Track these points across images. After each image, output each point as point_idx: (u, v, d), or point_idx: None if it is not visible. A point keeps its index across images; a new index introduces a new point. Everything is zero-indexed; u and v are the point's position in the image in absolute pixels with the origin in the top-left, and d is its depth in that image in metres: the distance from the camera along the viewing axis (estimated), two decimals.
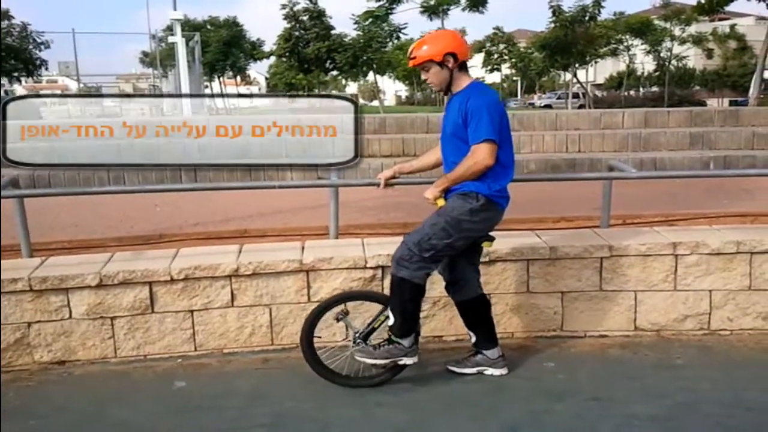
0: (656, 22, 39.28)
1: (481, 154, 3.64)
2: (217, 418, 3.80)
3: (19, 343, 4.41)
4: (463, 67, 3.82)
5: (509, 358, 4.45)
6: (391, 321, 3.92)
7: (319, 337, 4.14)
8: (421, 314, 4.10)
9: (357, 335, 4.05)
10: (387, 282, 4.41)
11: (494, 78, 53.81)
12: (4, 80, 30.64)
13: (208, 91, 38.69)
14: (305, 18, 32.53)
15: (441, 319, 4.69)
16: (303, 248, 4.79)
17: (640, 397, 3.95)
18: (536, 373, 4.30)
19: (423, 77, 3.88)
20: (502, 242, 4.78)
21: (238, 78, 48.14)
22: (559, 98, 49.60)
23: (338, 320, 4.08)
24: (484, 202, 3.72)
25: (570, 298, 4.77)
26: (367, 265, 4.54)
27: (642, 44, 40.53)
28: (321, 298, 4.58)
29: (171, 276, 4.45)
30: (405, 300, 3.84)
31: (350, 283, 4.59)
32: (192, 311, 4.55)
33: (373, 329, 4.05)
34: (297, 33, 32.04)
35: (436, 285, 4.33)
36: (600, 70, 55.71)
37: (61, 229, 6.27)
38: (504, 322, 4.76)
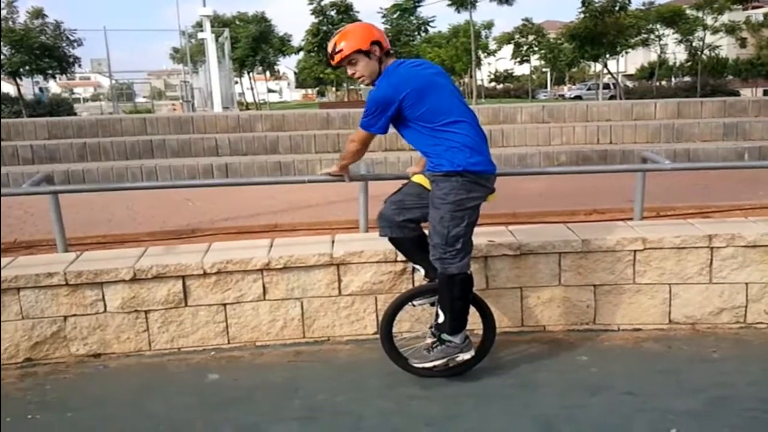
0: (688, 11, 38.66)
1: (352, 137, 3.96)
2: (250, 410, 3.84)
3: (55, 336, 4.49)
4: (388, 55, 3.80)
5: (541, 352, 4.42)
6: (440, 319, 3.91)
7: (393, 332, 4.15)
8: None
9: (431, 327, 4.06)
10: (417, 276, 4.40)
11: (524, 69, 53.36)
12: (39, 77, 30.99)
13: (237, 86, 38.88)
14: (333, 13, 32.61)
15: (473, 312, 4.66)
16: (333, 242, 4.80)
17: (675, 391, 3.90)
18: (569, 366, 4.27)
19: (350, 72, 3.81)
20: (533, 235, 4.76)
21: (268, 73, 48.32)
22: (589, 89, 49.15)
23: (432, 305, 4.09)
24: (468, 177, 3.63)
25: (603, 291, 4.73)
26: (398, 259, 4.53)
27: (673, 34, 39.91)
28: (352, 292, 4.60)
29: (204, 270, 4.49)
30: (455, 297, 3.82)
31: (380, 277, 4.59)
32: (225, 305, 4.59)
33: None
34: (325, 28, 32.10)
35: None
36: (631, 61, 55.03)
37: (96, 224, 6.36)
38: (536, 316, 4.74)
